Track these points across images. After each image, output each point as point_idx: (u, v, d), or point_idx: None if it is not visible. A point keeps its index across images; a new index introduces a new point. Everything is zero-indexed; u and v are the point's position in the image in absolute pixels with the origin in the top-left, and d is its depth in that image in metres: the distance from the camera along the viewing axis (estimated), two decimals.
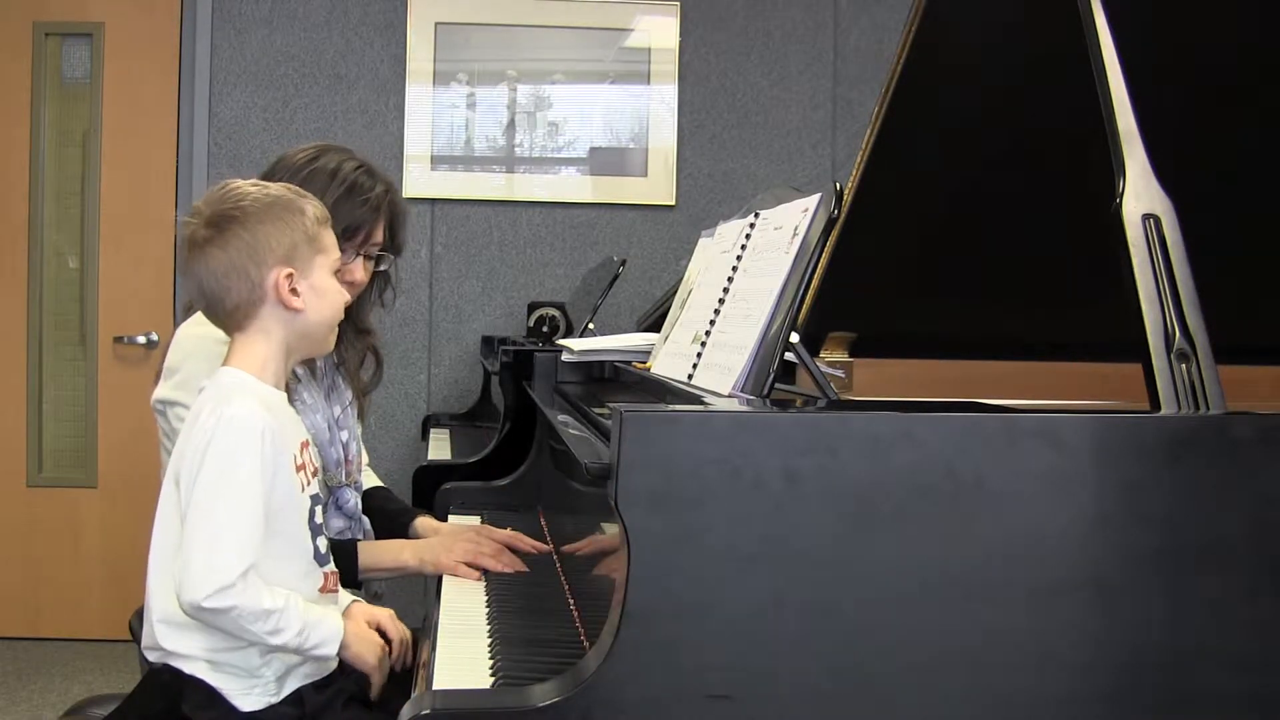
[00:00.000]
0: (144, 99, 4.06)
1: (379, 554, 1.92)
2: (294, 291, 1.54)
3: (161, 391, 1.80)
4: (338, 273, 1.63)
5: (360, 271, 1.94)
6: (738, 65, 4.12)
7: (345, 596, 1.69)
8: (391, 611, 1.70)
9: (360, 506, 2.05)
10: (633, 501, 1.12)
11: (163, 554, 1.51)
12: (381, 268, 2.00)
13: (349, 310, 1.99)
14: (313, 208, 1.59)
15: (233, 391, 1.50)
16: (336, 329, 1.64)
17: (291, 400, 1.88)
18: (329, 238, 1.60)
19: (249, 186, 1.57)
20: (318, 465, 1.62)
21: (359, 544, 1.92)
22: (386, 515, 2.11)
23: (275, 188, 1.59)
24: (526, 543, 1.96)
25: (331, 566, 1.60)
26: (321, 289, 1.57)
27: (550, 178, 4.16)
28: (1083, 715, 1.16)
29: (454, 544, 1.89)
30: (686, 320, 1.74)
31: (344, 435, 2.01)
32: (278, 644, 1.47)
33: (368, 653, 1.58)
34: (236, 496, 1.44)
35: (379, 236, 1.97)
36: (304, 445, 1.58)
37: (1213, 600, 1.18)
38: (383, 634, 1.65)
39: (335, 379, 2.03)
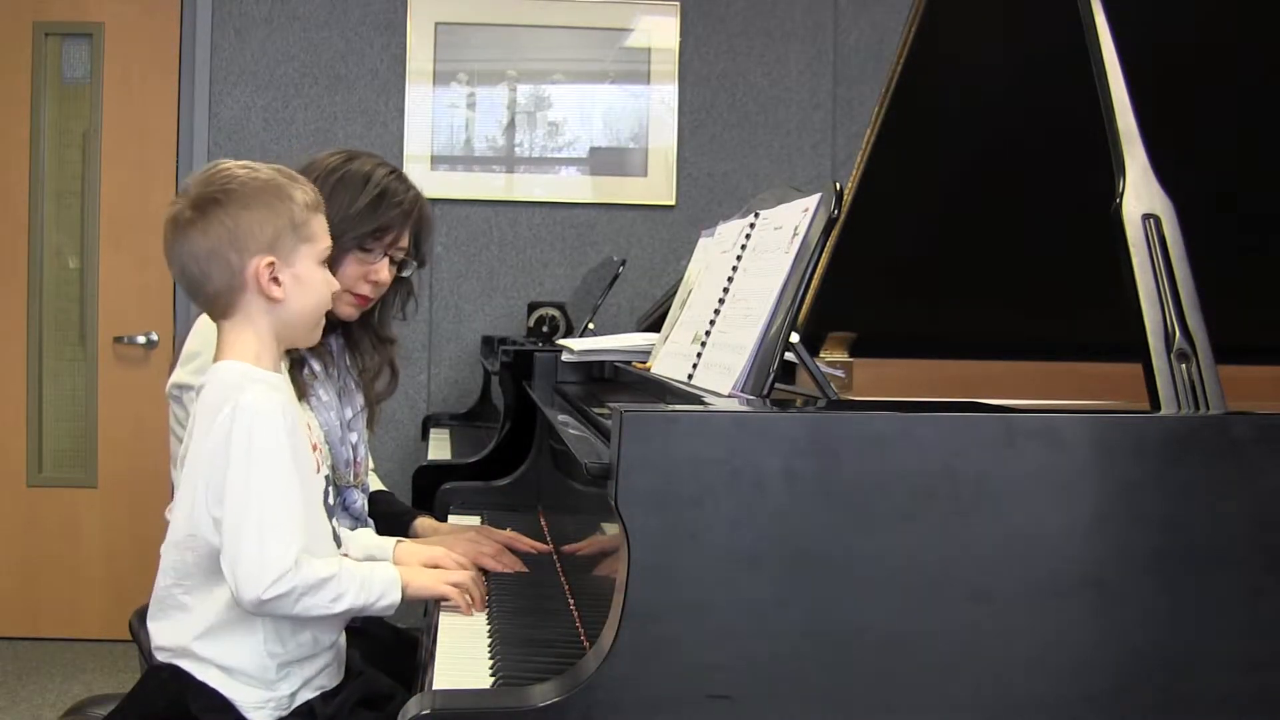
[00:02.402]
0: (144, 99, 4.06)
1: None
2: (275, 281, 1.48)
3: (179, 376, 1.81)
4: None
5: (386, 272, 1.94)
6: (738, 65, 4.12)
7: (387, 542, 1.68)
8: (443, 550, 1.68)
9: (367, 509, 2.06)
10: (633, 501, 1.12)
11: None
12: (405, 273, 2.01)
13: (370, 318, 2.00)
14: (302, 193, 1.52)
15: (240, 380, 1.45)
16: (323, 320, 1.57)
17: (307, 396, 1.90)
18: (318, 225, 1.53)
19: (238, 168, 1.51)
20: (325, 449, 1.61)
21: None
22: (388, 517, 2.12)
23: (265, 170, 1.52)
24: (526, 543, 1.96)
25: (344, 550, 1.61)
26: (305, 279, 1.51)
27: (550, 178, 4.16)
28: (1083, 715, 1.16)
29: (454, 544, 1.89)
30: (686, 320, 1.74)
31: (354, 437, 2.02)
32: (344, 609, 1.44)
33: (431, 583, 1.56)
34: (270, 483, 1.40)
35: (405, 242, 1.97)
36: (308, 426, 1.57)
37: (1213, 600, 1.18)
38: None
39: (347, 381, 2.04)
